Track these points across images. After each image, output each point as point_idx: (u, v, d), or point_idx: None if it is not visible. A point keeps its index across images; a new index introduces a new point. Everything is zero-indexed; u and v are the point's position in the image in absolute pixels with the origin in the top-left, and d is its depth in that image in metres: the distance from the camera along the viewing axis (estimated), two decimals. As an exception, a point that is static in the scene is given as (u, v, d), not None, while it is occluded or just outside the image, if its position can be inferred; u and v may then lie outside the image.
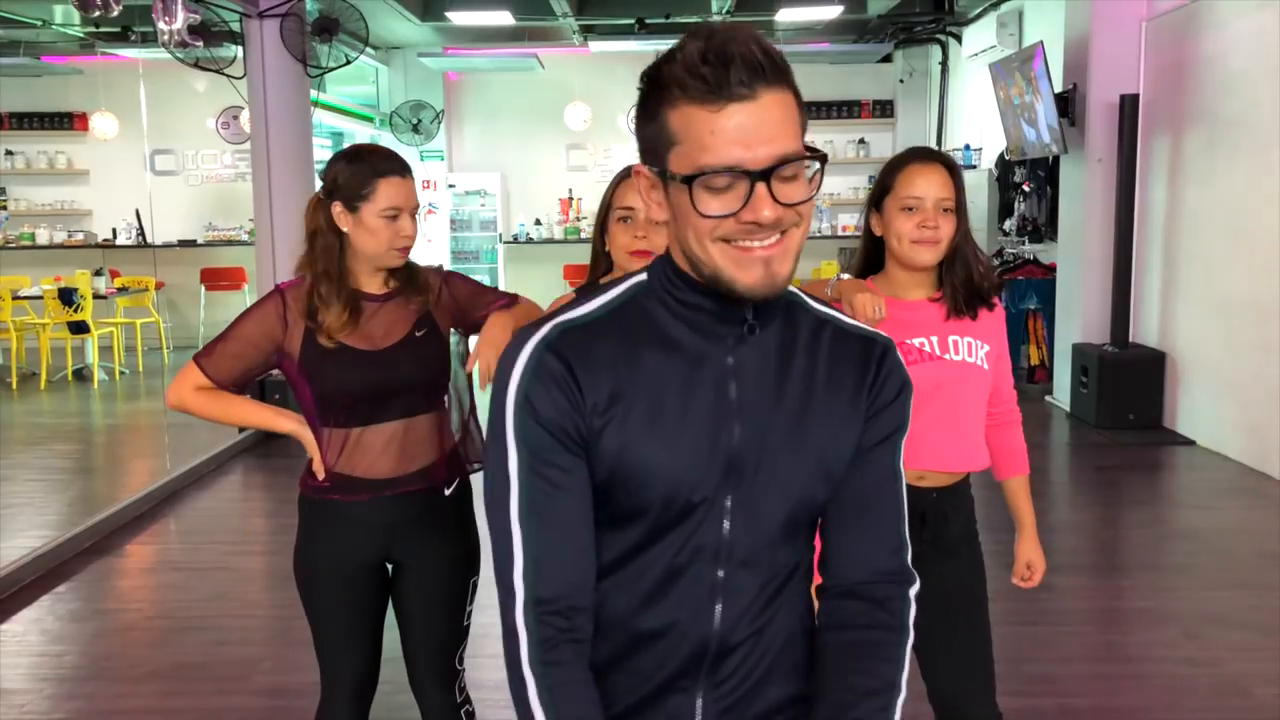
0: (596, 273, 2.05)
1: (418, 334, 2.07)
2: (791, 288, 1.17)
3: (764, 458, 1.11)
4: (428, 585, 2.13)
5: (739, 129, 1.00)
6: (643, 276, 1.16)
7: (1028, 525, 2.16)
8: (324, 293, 2.01)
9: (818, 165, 1.06)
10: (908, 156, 1.96)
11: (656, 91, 1.03)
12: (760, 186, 1.01)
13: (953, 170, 1.94)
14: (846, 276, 2.03)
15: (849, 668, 1.15)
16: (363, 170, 1.99)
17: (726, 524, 1.11)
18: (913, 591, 1.20)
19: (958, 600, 2.06)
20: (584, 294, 2.02)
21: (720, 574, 1.12)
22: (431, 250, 11.02)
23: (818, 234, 11.00)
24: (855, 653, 1.16)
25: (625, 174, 1.98)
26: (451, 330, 2.16)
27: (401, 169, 2.03)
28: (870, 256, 2.04)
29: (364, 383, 2.01)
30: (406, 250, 2.05)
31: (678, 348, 1.11)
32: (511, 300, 2.16)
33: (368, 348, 2.02)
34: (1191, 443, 6.31)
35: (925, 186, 1.90)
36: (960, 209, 1.93)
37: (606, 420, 1.08)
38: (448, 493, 2.12)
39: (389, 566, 2.17)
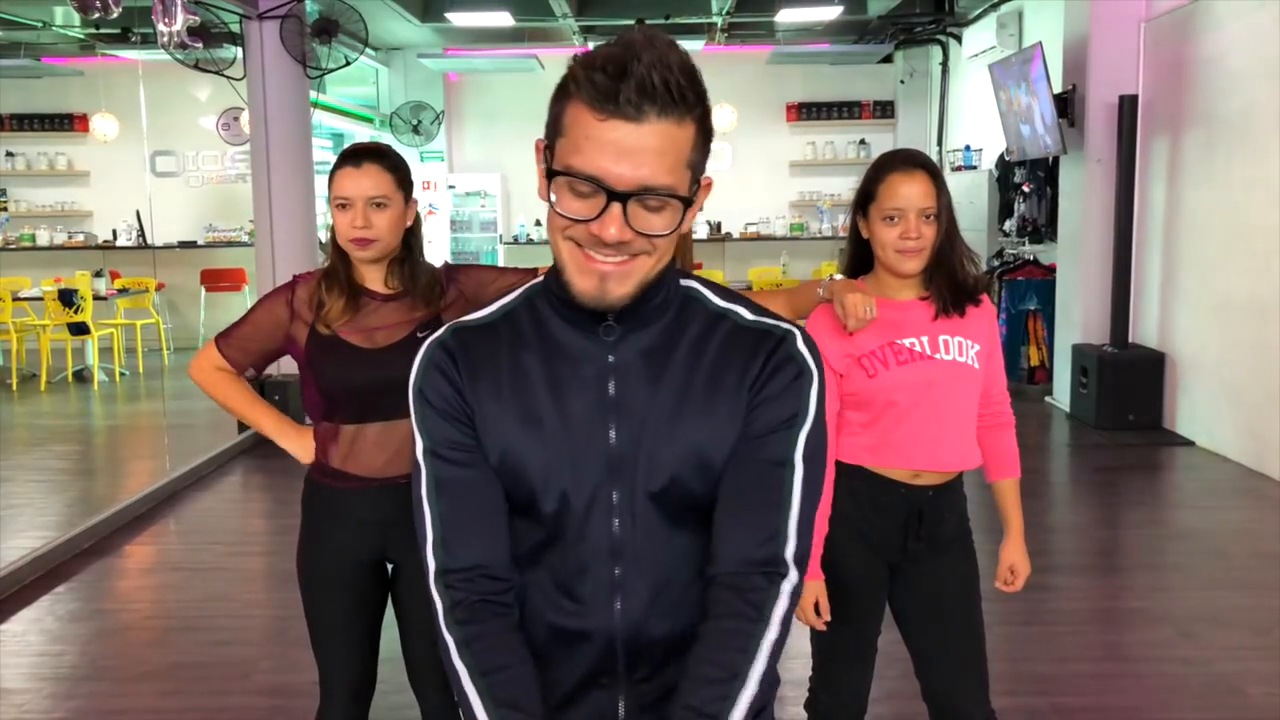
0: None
1: (420, 335, 2.08)
2: (693, 283, 1.19)
3: (640, 454, 1.12)
4: (426, 585, 2.13)
5: (614, 145, 1.00)
6: (541, 279, 1.20)
7: (1015, 529, 2.17)
8: (327, 283, 2.06)
9: (682, 207, 1.05)
10: (889, 164, 1.95)
11: (565, 84, 1.05)
12: (615, 206, 1.02)
13: (934, 175, 1.94)
14: (840, 277, 2.04)
15: (698, 656, 1.11)
16: (335, 164, 2.03)
17: (615, 521, 1.13)
18: (786, 586, 1.13)
19: (951, 599, 2.07)
20: None
21: (617, 571, 1.14)
22: (431, 251, 11.01)
23: (818, 234, 11.02)
24: (707, 641, 1.12)
25: None
26: None
27: (357, 160, 2.00)
28: (860, 256, 2.05)
29: (362, 380, 2.02)
30: (362, 243, 2.00)
31: (559, 348, 1.15)
32: (534, 273, 2.17)
33: (368, 345, 2.04)
34: (1191, 443, 6.31)
35: (907, 196, 1.90)
36: (942, 212, 1.93)
37: (484, 418, 1.14)
38: None
39: (388, 566, 2.18)
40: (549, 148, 1.07)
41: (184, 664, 3.50)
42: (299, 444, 2.12)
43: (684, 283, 1.18)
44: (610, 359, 1.14)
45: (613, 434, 1.12)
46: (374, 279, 2.08)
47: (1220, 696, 3.16)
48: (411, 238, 2.10)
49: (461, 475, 1.15)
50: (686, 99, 1.01)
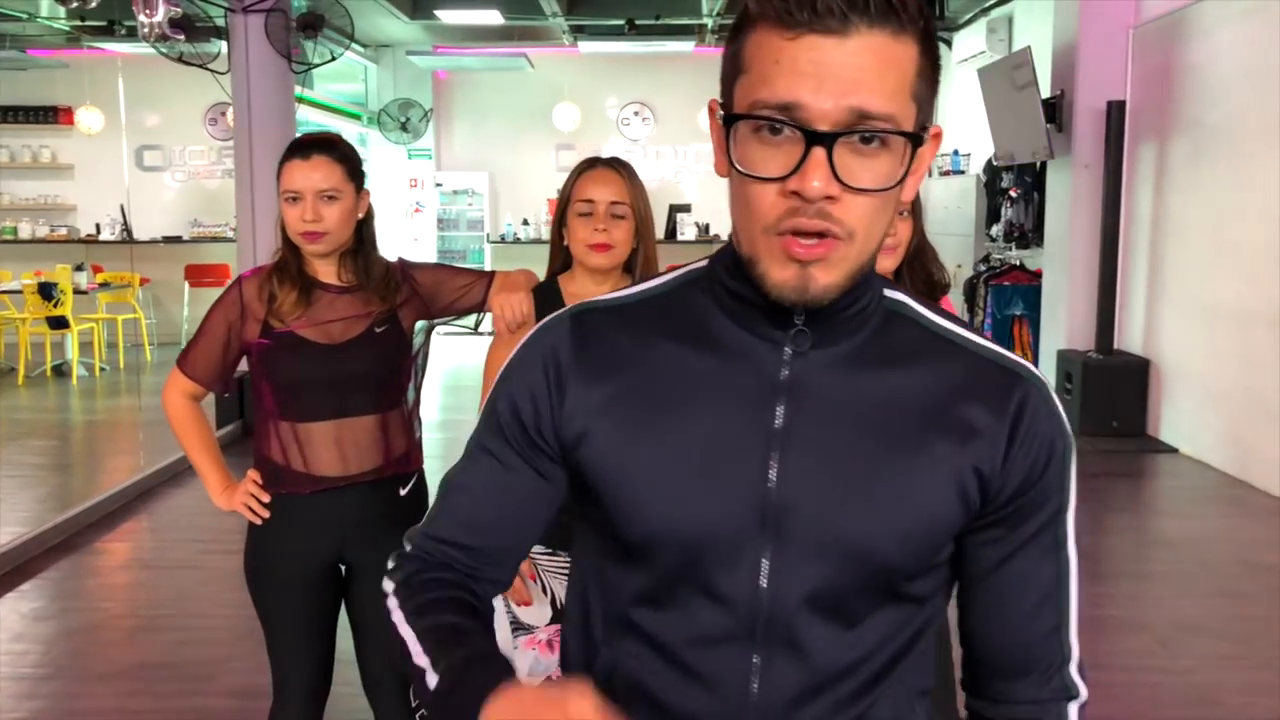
0: (553, 266, 2.02)
1: (377, 330, 2.03)
2: (901, 295, 0.94)
3: (820, 508, 0.86)
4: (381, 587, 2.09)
5: (812, 64, 0.77)
6: (703, 262, 0.95)
7: None
8: (279, 276, 2.00)
9: (907, 153, 0.81)
10: None
11: (743, 12, 0.82)
12: (817, 151, 0.77)
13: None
14: None
15: None
16: (283, 156, 1.98)
17: (764, 584, 0.86)
18: (1073, 707, 0.96)
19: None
20: (540, 292, 2.00)
21: (755, 659, 0.86)
22: (418, 249, 10.97)
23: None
24: None
25: (585, 166, 1.96)
26: (417, 321, 2.13)
27: (305, 152, 1.96)
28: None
29: (319, 375, 1.97)
30: (311, 237, 1.96)
31: (715, 348, 0.89)
32: (491, 276, 2.13)
33: (324, 340, 1.99)
34: (1174, 450, 6.30)
35: None
36: (917, 210, 1.94)
37: (595, 426, 0.89)
38: (403, 493, 2.08)
39: (342, 567, 2.13)
40: (726, 104, 0.84)
41: (150, 664, 3.44)
42: (224, 500, 2.08)
43: (888, 292, 0.93)
44: (784, 374, 0.87)
45: (773, 472, 0.86)
46: (326, 272, 2.03)
47: (1197, 707, 3.13)
48: (364, 229, 2.05)
49: (477, 476, 0.96)
50: (906, 7, 0.77)
